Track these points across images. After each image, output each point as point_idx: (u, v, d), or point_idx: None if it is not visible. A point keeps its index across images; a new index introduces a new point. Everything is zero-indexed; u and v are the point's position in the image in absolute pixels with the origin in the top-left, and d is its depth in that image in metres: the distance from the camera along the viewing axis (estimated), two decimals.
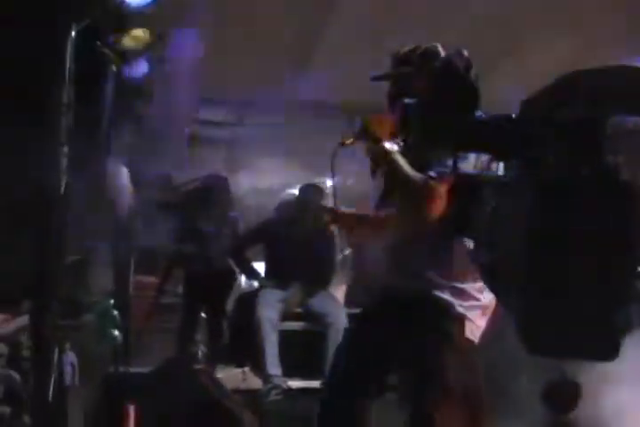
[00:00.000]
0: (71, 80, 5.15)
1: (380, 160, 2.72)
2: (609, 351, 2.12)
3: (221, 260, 5.98)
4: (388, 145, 2.68)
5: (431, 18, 5.07)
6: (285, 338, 5.39)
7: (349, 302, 5.81)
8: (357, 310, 5.60)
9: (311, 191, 5.69)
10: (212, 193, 5.88)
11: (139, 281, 7.31)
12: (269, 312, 5.33)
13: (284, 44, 5.77)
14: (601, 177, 2.13)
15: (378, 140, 2.69)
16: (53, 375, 4.43)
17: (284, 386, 5.29)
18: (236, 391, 5.43)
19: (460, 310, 2.71)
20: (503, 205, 2.26)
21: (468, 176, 2.52)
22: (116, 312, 7.49)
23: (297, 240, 5.60)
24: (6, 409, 6.81)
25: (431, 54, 2.77)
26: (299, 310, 5.61)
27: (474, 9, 5.14)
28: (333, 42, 5.77)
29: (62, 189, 4.64)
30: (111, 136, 6.01)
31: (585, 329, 2.13)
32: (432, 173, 2.58)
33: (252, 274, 5.78)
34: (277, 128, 7.53)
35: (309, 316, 5.54)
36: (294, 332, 5.49)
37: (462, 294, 2.73)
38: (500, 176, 2.49)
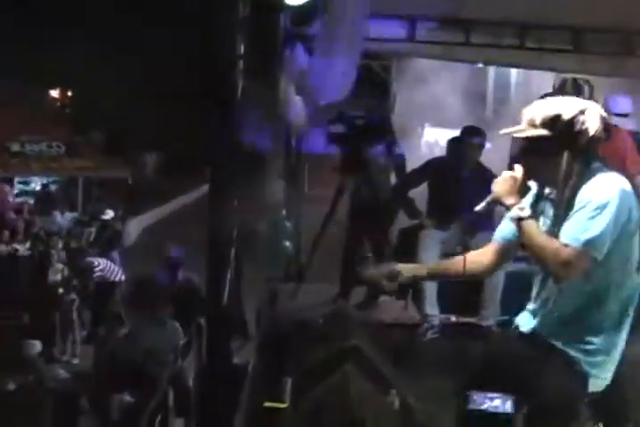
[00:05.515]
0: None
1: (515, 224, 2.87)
2: None
3: (384, 192, 6.11)
4: (520, 211, 2.83)
5: None
6: None
7: None
8: None
9: (473, 132, 5.69)
10: (375, 128, 5.96)
11: None
12: (429, 255, 5.49)
13: None
14: None
15: (509, 207, 2.86)
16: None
17: (446, 321, 5.51)
18: (395, 324, 5.72)
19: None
20: None
21: None
22: (288, 223, 7.80)
23: (459, 180, 5.66)
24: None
25: (574, 124, 2.78)
26: (459, 249, 5.71)
27: None
28: None
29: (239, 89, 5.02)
30: (284, 57, 6.17)
31: None
32: (565, 240, 2.71)
33: (413, 213, 5.90)
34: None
35: None
36: None
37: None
38: None
